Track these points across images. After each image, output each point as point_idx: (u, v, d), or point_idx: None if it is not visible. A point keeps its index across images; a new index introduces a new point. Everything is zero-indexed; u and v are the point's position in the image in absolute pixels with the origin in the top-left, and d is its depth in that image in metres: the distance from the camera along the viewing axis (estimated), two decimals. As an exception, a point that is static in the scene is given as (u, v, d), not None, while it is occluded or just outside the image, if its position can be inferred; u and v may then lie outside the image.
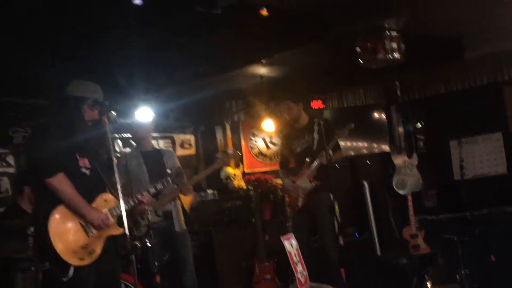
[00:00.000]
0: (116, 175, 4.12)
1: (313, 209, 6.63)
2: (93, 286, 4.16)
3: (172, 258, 6.50)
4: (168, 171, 5.20)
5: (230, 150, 6.81)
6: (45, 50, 5.55)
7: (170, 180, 5.04)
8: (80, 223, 4.07)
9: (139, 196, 4.63)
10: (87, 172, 4.29)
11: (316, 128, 6.59)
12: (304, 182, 6.62)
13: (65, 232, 3.97)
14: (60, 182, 4.07)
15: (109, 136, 4.21)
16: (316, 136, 6.55)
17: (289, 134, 7.10)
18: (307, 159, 6.62)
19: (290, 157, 7.09)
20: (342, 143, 6.64)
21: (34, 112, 6.79)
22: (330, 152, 6.31)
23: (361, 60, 5.62)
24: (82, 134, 4.26)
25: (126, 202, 4.24)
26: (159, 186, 4.90)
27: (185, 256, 6.32)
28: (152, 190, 4.85)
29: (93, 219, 4.15)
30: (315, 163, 6.50)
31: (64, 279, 3.92)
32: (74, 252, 3.96)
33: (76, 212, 4.12)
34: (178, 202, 6.48)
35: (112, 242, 4.31)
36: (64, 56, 5.34)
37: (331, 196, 6.16)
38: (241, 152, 9.65)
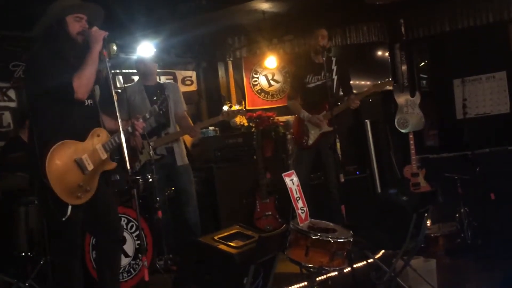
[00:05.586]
0: (117, 110, 4.04)
1: (321, 148, 6.58)
2: (90, 221, 4.16)
3: (175, 193, 6.54)
4: (157, 100, 5.07)
5: (237, 106, 6.72)
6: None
7: (157, 108, 4.94)
8: (76, 161, 3.99)
9: (134, 121, 4.52)
10: (85, 101, 4.14)
11: (334, 68, 6.45)
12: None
13: (62, 173, 3.88)
14: (80, 84, 3.95)
15: (108, 70, 4.07)
16: (335, 77, 6.41)
17: (303, 66, 6.83)
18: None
19: (300, 90, 6.79)
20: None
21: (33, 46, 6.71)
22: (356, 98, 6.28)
23: (366, -4, 5.52)
24: (70, 49, 4.07)
25: (125, 132, 4.16)
26: (147, 115, 4.80)
27: (187, 190, 6.36)
28: (147, 116, 4.75)
29: (95, 41, 4.04)
30: (342, 105, 6.40)
31: (64, 219, 3.91)
32: (71, 191, 3.92)
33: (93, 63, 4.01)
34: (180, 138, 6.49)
35: (104, 177, 4.24)
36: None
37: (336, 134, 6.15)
38: (243, 89, 9.63)
